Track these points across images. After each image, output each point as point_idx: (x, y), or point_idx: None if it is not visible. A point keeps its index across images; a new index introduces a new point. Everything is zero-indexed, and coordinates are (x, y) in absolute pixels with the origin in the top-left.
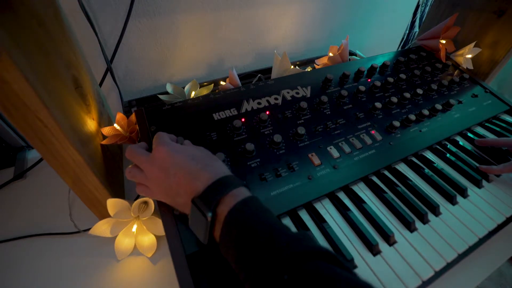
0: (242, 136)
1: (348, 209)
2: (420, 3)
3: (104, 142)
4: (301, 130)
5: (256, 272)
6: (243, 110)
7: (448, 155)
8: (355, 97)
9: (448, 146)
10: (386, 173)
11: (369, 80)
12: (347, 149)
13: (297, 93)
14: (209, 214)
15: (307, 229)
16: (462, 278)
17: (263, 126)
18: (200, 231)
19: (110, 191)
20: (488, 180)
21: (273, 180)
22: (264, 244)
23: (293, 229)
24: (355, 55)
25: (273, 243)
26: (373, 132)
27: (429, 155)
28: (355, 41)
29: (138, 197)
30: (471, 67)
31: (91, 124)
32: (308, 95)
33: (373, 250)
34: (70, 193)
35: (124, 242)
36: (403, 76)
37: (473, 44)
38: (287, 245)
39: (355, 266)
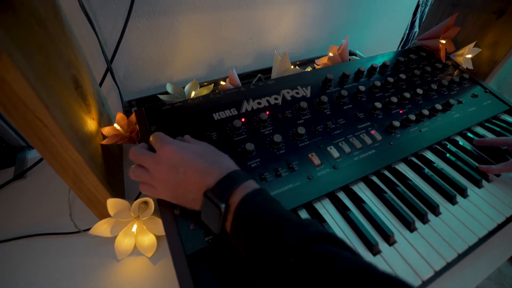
0: (242, 136)
1: (348, 209)
2: (420, 3)
3: (104, 142)
4: (301, 130)
5: (265, 257)
6: (243, 110)
7: (448, 155)
8: (355, 97)
9: (448, 146)
10: (386, 173)
11: (369, 80)
12: (347, 149)
13: (297, 93)
14: (223, 206)
15: None
16: (462, 278)
17: (263, 126)
18: (214, 222)
19: (110, 191)
20: (488, 180)
21: (273, 180)
22: (271, 230)
23: None
24: (355, 55)
25: (280, 230)
26: (373, 132)
27: (429, 155)
28: (355, 41)
29: (138, 197)
30: (471, 67)
31: (91, 124)
32: (308, 95)
33: (373, 250)
34: (70, 193)
35: (124, 242)
36: (403, 76)
37: (473, 44)
38: (293, 231)
39: None
